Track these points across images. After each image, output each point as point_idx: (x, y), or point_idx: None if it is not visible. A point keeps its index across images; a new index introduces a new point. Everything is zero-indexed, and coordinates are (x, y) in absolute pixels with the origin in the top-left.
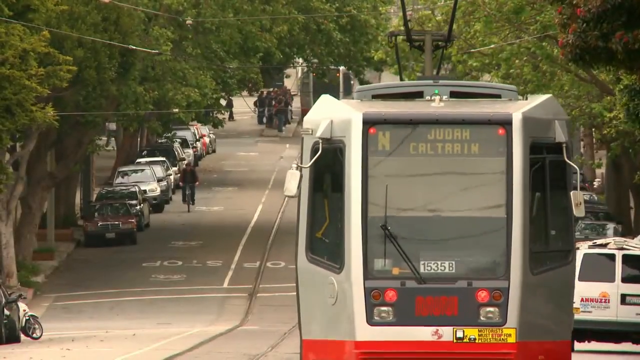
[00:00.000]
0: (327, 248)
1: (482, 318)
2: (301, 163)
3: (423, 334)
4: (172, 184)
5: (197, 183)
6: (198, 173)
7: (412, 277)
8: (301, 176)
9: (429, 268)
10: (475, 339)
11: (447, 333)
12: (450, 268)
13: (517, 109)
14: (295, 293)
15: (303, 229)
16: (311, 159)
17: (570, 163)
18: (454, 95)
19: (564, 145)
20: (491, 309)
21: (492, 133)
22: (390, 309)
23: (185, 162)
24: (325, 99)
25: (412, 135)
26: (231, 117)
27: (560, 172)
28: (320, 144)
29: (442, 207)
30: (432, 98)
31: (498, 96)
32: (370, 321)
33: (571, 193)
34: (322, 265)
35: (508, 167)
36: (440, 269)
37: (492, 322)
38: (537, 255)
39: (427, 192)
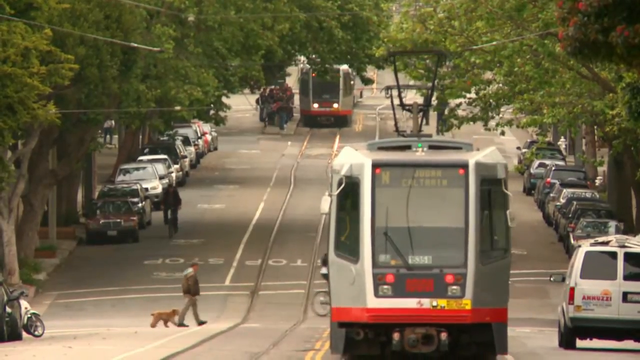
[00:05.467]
0: (348, 247)
1: (449, 293)
2: (331, 192)
3: (410, 303)
4: (174, 181)
5: (179, 207)
6: (181, 194)
7: (403, 266)
8: (331, 200)
9: (414, 260)
10: (444, 306)
11: (426, 303)
12: (428, 260)
13: (472, 157)
14: (328, 281)
15: (332, 234)
16: (337, 189)
17: (507, 192)
18: (431, 147)
19: (503, 180)
20: (455, 287)
21: (455, 172)
22: (389, 287)
23: (167, 182)
24: (347, 149)
25: (404, 174)
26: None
27: (501, 198)
28: (344, 179)
29: (423, 220)
30: (417, 149)
31: (460, 148)
32: (376, 295)
33: (507, 212)
34: (345, 259)
35: (466, 194)
36: (422, 261)
37: (456, 296)
38: (485, 252)
39: (413, 211)
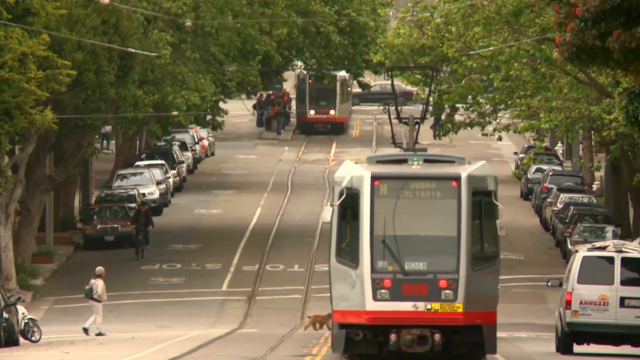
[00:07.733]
0: (349, 254)
1: (442, 297)
2: (332, 202)
3: (406, 306)
4: (172, 187)
5: (150, 227)
6: (153, 216)
7: (400, 271)
8: (333, 210)
9: (410, 266)
10: (438, 309)
11: (421, 306)
12: (423, 266)
13: (464, 170)
14: (328, 285)
15: (334, 241)
16: (339, 199)
17: (497, 203)
18: (426, 161)
19: (493, 191)
20: (448, 291)
21: (448, 184)
22: (387, 291)
23: (141, 201)
24: (348, 163)
25: (400, 185)
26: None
27: (491, 208)
28: (345, 191)
29: (418, 229)
30: (412, 163)
31: (453, 162)
32: (375, 298)
33: (497, 221)
34: (345, 265)
35: (458, 205)
36: (417, 267)
37: (448, 299)
38: (476, 259)
39: (409, 220)
